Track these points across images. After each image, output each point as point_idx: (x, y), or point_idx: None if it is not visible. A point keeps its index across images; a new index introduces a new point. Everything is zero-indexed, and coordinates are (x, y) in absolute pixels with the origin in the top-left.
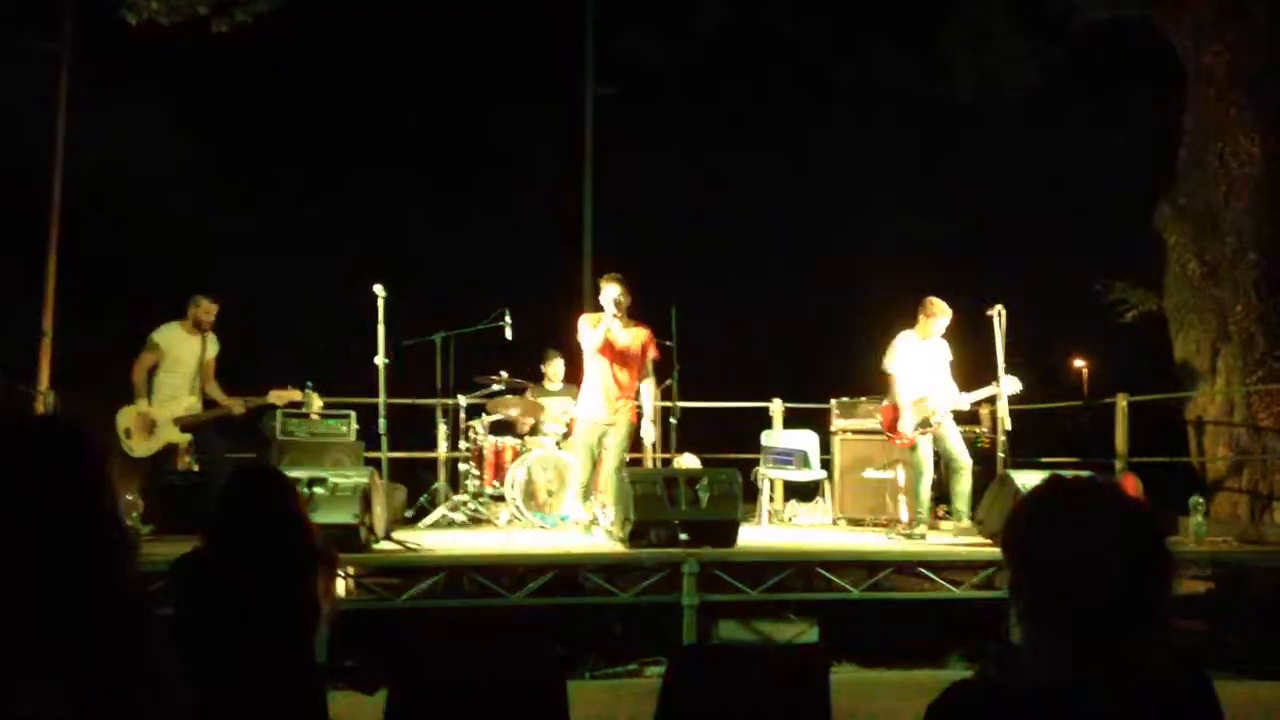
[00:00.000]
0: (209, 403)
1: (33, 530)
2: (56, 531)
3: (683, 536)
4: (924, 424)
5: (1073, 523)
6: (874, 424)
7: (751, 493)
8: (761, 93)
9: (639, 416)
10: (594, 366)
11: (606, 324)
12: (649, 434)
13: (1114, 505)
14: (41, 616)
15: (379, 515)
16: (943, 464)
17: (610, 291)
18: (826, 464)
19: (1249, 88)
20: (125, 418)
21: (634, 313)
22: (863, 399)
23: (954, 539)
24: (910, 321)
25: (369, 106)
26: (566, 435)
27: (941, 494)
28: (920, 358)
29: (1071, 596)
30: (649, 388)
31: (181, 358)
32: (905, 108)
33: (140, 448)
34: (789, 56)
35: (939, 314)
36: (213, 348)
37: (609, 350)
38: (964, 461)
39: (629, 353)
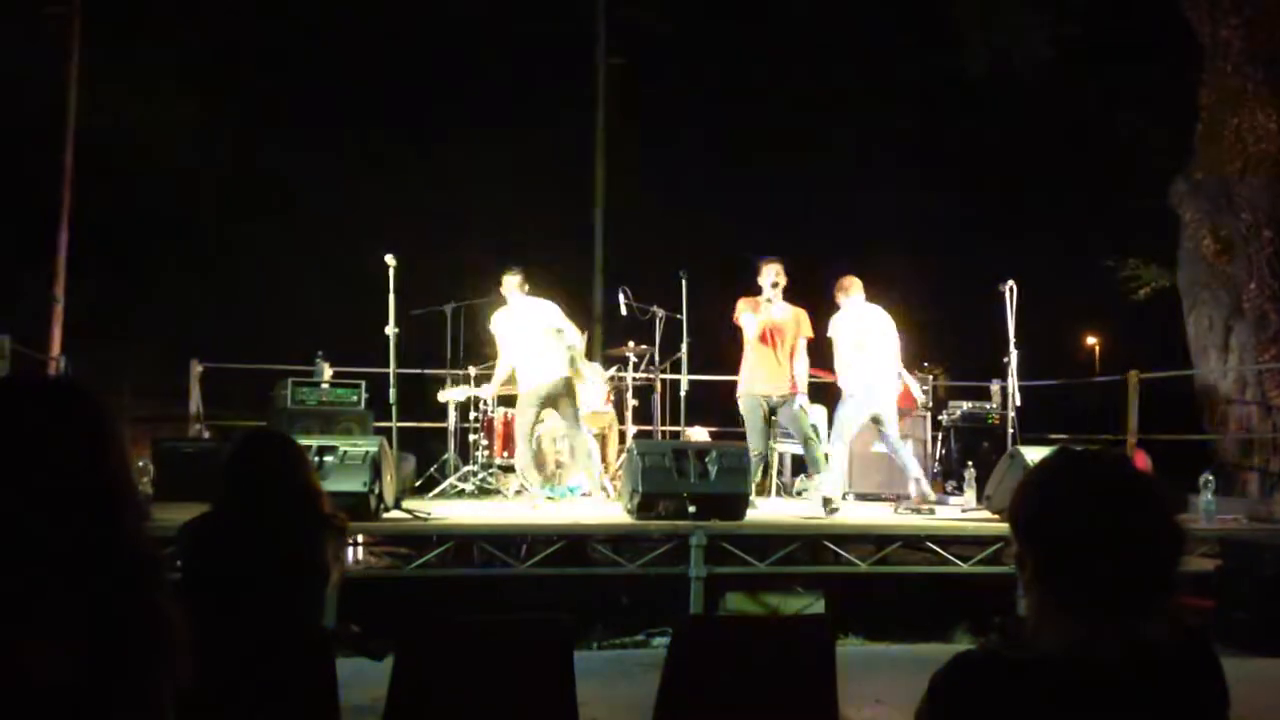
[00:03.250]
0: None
1: (43, 491)
2: (66, 492)
3: (691, 509)
4: None
5: (1081, 494)
6: None
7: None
8: (772, 64)
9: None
10: (754, 347)
11: (766, 307)
12: (807, 409)
13: (1123, 477)
14: (50, 579)
15: (389, 484)
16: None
17: (769, 274)
18: None
19: (1265, 62)
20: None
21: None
22: None
23: (962, 513)
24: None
25: (381, 73)
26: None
27: (949, 470)
28: None
29: (1078, 568)
30: (801, 365)
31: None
32: (918, 80)
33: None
34: (800, 29)
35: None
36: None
37: (767, 332)
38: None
39: (784, 333)
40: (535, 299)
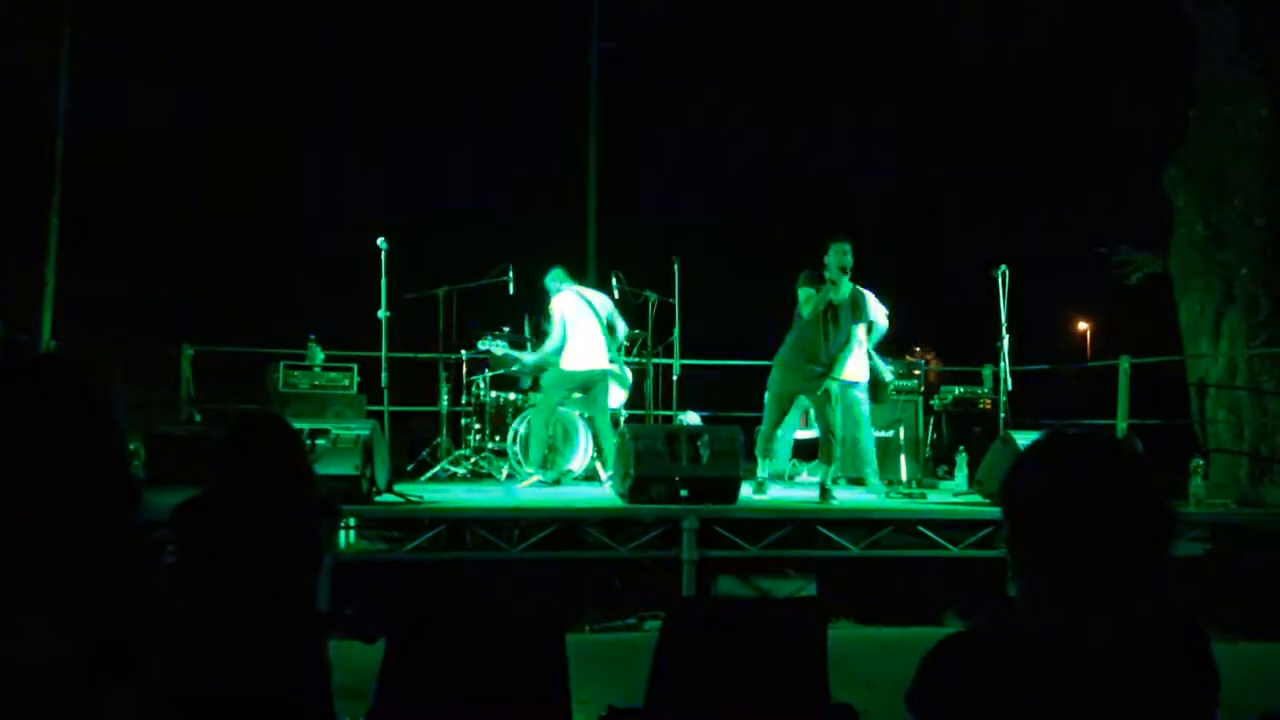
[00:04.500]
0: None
1: (34, 472)
2: (57, 475)
3: (683, 493)
4: None
5: (1073, 477)
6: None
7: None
8: (766, 47)
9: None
10: (803, 324)
11: (827, 289)
12: (837, 397)
13: (1115, 461)
14: (42, 562)
15: (380, 468)
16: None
17: (835, 255)
18: None
19: (1259, 49)
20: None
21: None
22: None
23: (954, 498)
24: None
25: (373, 57)
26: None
27: (940, 454)
28: None
29: (1069, 549)
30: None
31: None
32: (914, 62)
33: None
34: (795, 11)
35: None
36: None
37: (824, 313)
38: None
39: (841, 316)
40: (594, 290)
